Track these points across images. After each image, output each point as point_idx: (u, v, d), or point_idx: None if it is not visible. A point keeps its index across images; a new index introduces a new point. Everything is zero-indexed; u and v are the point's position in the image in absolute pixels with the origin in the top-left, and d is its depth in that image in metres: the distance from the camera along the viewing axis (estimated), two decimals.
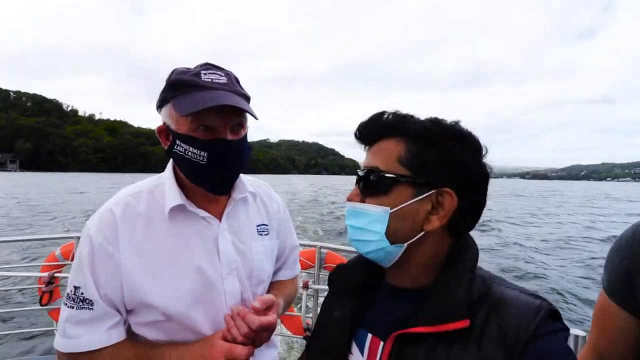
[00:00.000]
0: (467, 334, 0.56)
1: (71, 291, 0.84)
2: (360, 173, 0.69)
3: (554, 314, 0.57)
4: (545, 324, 0.55)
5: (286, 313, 2.65)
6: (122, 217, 0.86)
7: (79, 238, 2.60)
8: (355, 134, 0.71)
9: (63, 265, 2.58)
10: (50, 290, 2.42)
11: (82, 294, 0.83)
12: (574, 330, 1.26)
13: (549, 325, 0.55)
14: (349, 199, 0.70)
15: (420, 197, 0.62)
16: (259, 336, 0.83)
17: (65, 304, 0.84)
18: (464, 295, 0.58)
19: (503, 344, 0.54)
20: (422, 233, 0.63)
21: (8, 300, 5.62)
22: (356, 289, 0.76)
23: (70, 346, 0.82)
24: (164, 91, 0.87)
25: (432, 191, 0.62)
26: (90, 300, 0.82)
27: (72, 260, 2.53)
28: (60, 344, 0.83)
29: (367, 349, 0.69)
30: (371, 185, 0.66)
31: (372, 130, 0.68)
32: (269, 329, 0.84)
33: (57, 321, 2.61)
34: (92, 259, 0.83)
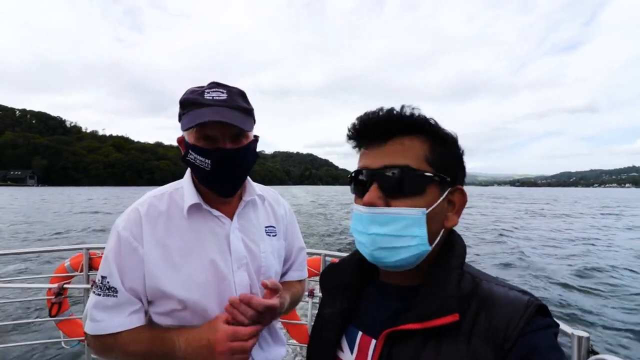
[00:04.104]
0: (457, 330, 0.57)
1: (99, 280, 0.94)
2: (387, 172, 0.62)
3: (542, 310, 0.57)
4: (534, 320, 0.55)
5: (292, 322, 2.65)
6: (146, 215, 0.96)
7: (88, 250, 2.65)
8: (361, 129, 0.66)
9: (72, 277, 2.56)
10: (59, 301, 2.41)
11: (108, 282, 0.92)
12: (578, 332, 1.26)
13: (538, 322, 0.55)
14: (370, 203, 0.62)
15: (444, 195, 0.64)
16: (264, 317, 0.92)
17: (94, 292, 0.94)
18: (453, 291, 0.59)
19: (492, 340, 0.55)
20: (443, 230, 0.65)
21: (18, 312, 5.67)
22: (347, 287, 0.75)
23: (96, 329, 0.91)
24: (179, 108, 0.98)
25: (449, 189, 0.65)
26: (115, 288, 0.92)
27: (81, 271, 2.51)
28: (88, 327, 0.93)
29: (356, 347, 0.69)
30: (403, 185, 0.61)
31: (386, 126, 0.63)
32: (272, 312, 0.94)
33: (65, 333, 2.64)
34: (119, 252, 0.93)
